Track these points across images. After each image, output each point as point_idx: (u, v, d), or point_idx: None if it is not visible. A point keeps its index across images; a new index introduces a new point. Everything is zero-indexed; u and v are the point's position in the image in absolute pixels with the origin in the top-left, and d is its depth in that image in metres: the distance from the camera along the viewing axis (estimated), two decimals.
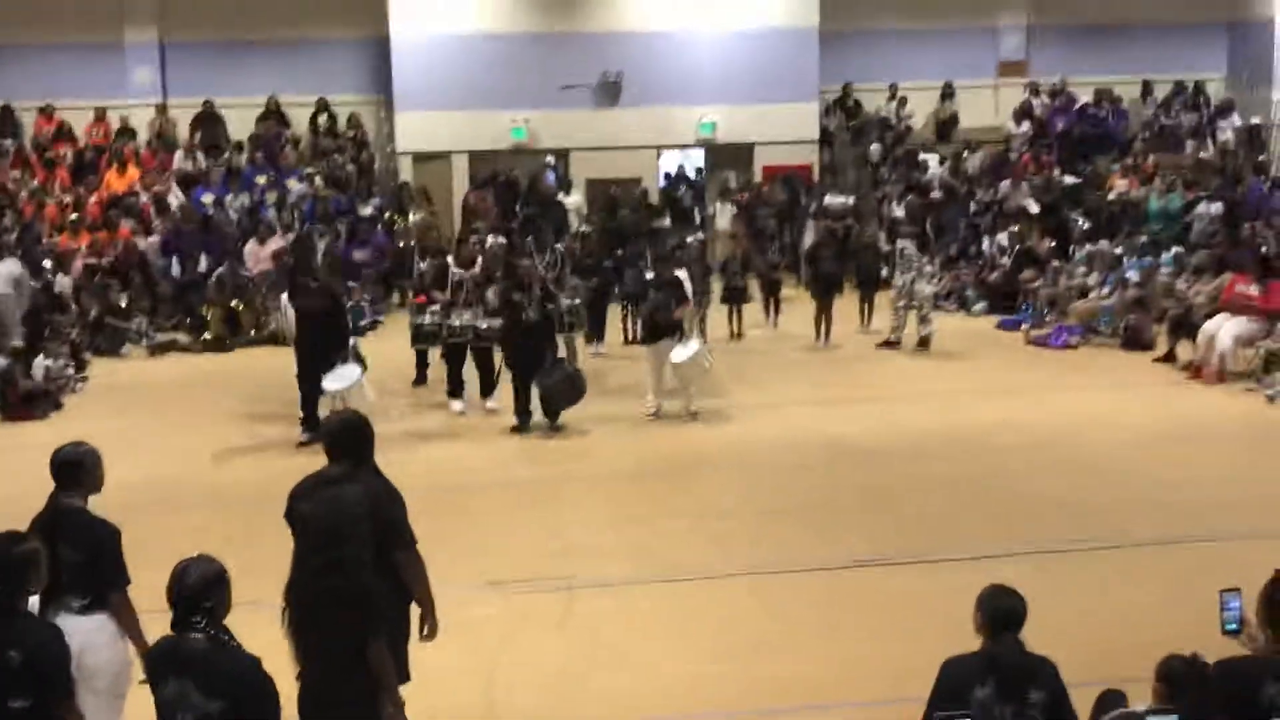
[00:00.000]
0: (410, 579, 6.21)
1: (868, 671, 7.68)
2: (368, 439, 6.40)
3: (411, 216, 20.91)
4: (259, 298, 19.02)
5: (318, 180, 22.08)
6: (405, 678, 6.25)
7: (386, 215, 21.69)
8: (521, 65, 23.50)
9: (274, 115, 23.64)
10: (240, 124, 23.48)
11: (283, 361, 17.49)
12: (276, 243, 20.38)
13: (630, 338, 17.51)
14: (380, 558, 5.90)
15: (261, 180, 22.09)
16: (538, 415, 13.48)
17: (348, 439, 6.32)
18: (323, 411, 12.06)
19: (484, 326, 14.00)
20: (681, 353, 13.67)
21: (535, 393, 13.41)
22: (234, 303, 18.94)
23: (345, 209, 21.49)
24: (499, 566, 9.55)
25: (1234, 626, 5.61)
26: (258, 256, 20.11)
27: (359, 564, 5.35)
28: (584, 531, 10.44)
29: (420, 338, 14.63)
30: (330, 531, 5.41)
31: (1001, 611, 5.42)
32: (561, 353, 14.28)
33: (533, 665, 7.94)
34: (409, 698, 6.30)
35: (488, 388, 14.33)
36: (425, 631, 6.34)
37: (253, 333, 18.76)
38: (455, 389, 14.42)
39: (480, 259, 14.96)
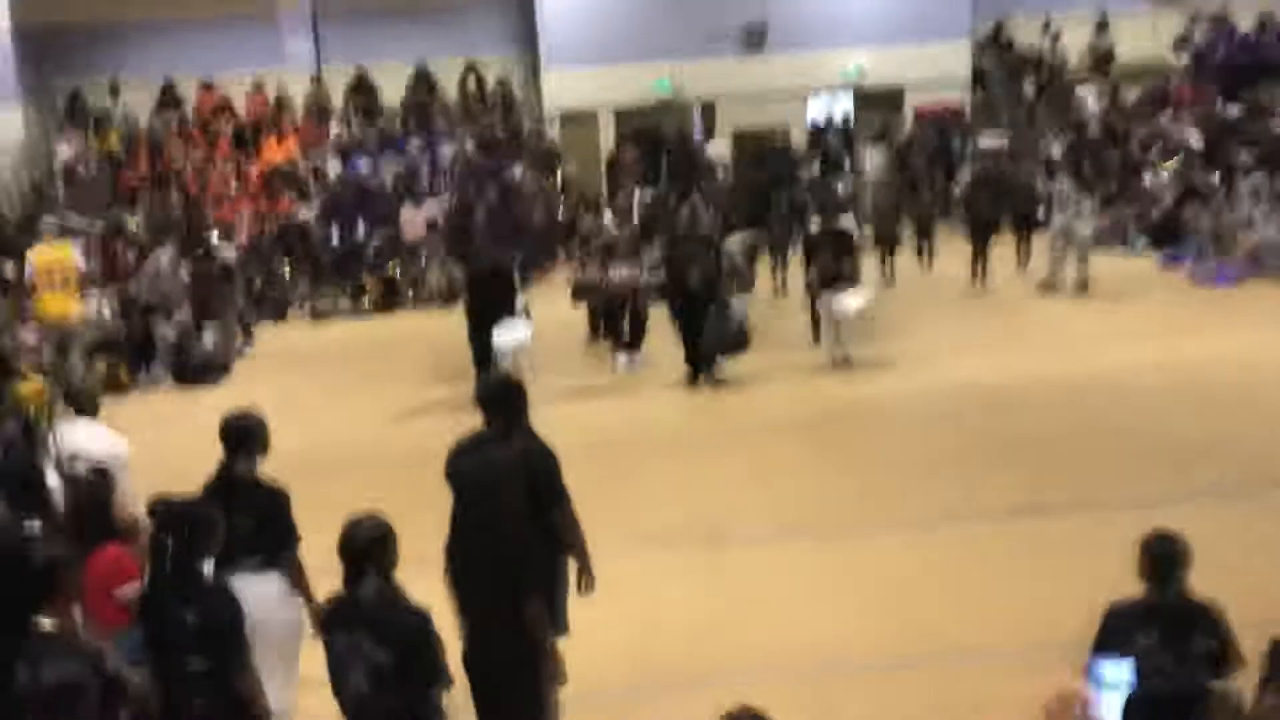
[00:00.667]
0: (565, 535, 6.30)
1: (1025, 618, 7.59)
2: (521, 398, 6.51)
3: (557, 179, 21.06)
4: (417, 263, 19.38)
5: (469, 143, 22.34)
6: (564, 630, 6.37)
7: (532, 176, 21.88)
8: (664, 17, 23.50)
9: (424, 80, 23.95)
10: (392, 90, 23.85)
11: (441, 324, 17.95)
12: (432, 208, 20.76)
13: (780, 288, 17.45)
14: (536, 515, 6.02)
15: (414, 146, 22.42)
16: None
17: (501, 399, 6.42)
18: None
19: (642, 281, 14.02)
20: (852, 303, 13.60)
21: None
22: (392, 267, 19.32)
23: (495, 170, 21.71)
24: (651, 520, 9.62)
25: None
26: (414, 222, 20.48)
27: (512, 522, 5.46)
28: (733, 486, 10.45)
29: (579, 293, 14.78)
30: (484, 491, 5.53)
31: (1164, 556, 5.32)
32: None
33: (682, 619, 7.99)
34: (565, 649, 6.45)
35: (637, 341, 14.44)
36: (582, 586, 6.43)
37: (411, 294, 19.12)
38: (619, 342, 14.54)
39: (636, 213, 15.09)
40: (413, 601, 5.07)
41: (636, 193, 18.30)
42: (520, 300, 13.85)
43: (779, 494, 10.22)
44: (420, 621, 5.01)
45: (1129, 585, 5.43)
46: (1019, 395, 12.54)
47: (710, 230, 14.26)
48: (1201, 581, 5.48)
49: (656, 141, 23.07)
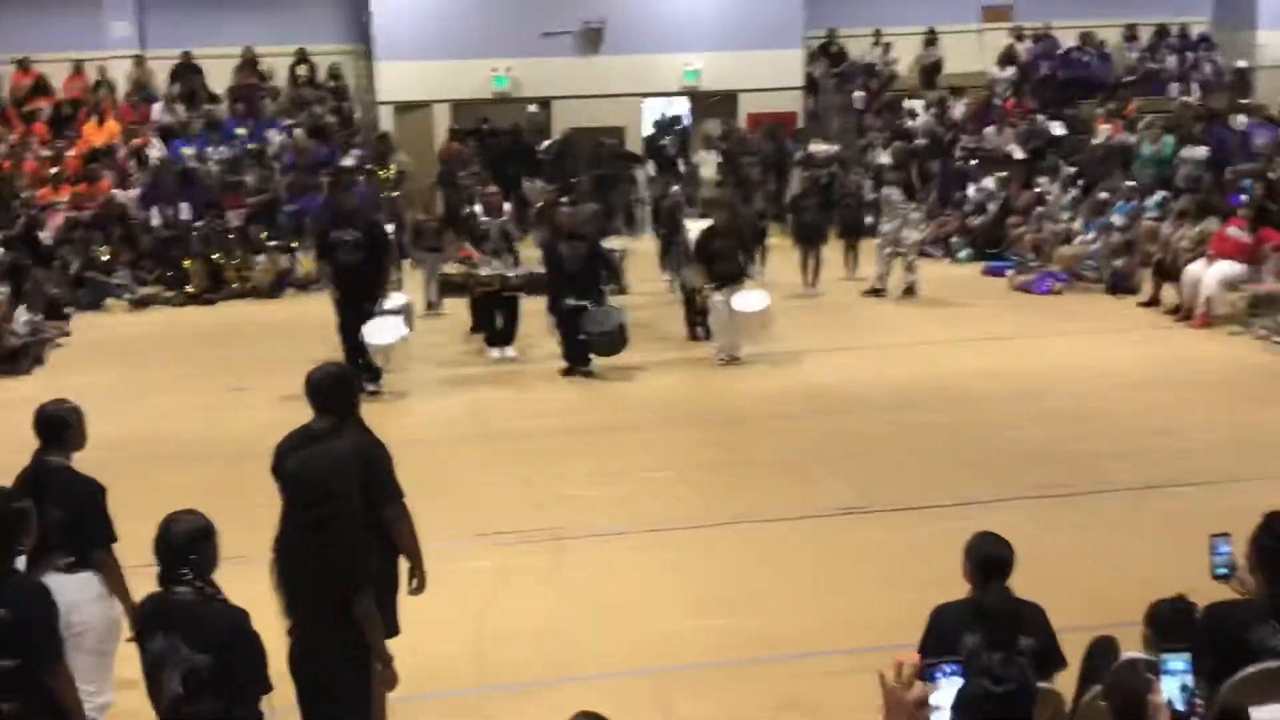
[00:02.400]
0: (398, 533, 6.18)
1: (856, 620, 7.69)
2: (353, 392, 6.39)
3: (392, 168, 20.76)
4: (240, 250, 18.93)
5: (298, 132, 21.90)
6: (394, 631, 6.23)
7: (367, 167, 21.50)
8: (502, 13, 23.34)
9: (252, 66, 23.42)
10: (219, 75, 23.26)
11: (266, 314, 17.59)
12: (258, 195, 20.31)
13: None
14: (367, 512, 5.88)
15: (241, 132, 21.90)
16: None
17: (333, 392, 6.27)
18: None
19: (512, 275, 14.03)
20: (751, 302, 13.65)
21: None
22: (216, 255, 18.82)
23: (326, 160, 21.31)
24: (488, 519, 9.54)
25: (1224, 571, 5.62)
26: (239, 209, 20.00)
27: (345, 521, 5.32)
28: (572, 483, 10.40)
29: (446, 288, 14.64)
30: (316, 488, 5.37)
31: (989, 559, 5.43)
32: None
33: (521, 618, 7.94)
34: (398, 651, 6.31)
35: (509, 336, 14.41)
36: (414, 585, 6.32)
37: (235, 286, 18.65)
38: (492, 337, 14.49)
39: (505, 207, 14.99)
40: (231, 602, 4.91)
41: (479, 188, 18.12)
42: (403, 296, 13.85)
43: (621, 492, 10.20)
44: (239, 623, 4.84)
45: (958, 587, 5.52)
46: (852, 397, 12.73)
47: (591, 227, 14.25)
48: (1026, 582, 5.60)
49: (492, 135, 22.94)
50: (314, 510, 5.31)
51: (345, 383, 6.36)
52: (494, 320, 14.47)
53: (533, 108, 23.68)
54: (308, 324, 16.14)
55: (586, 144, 22.25)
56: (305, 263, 18.66)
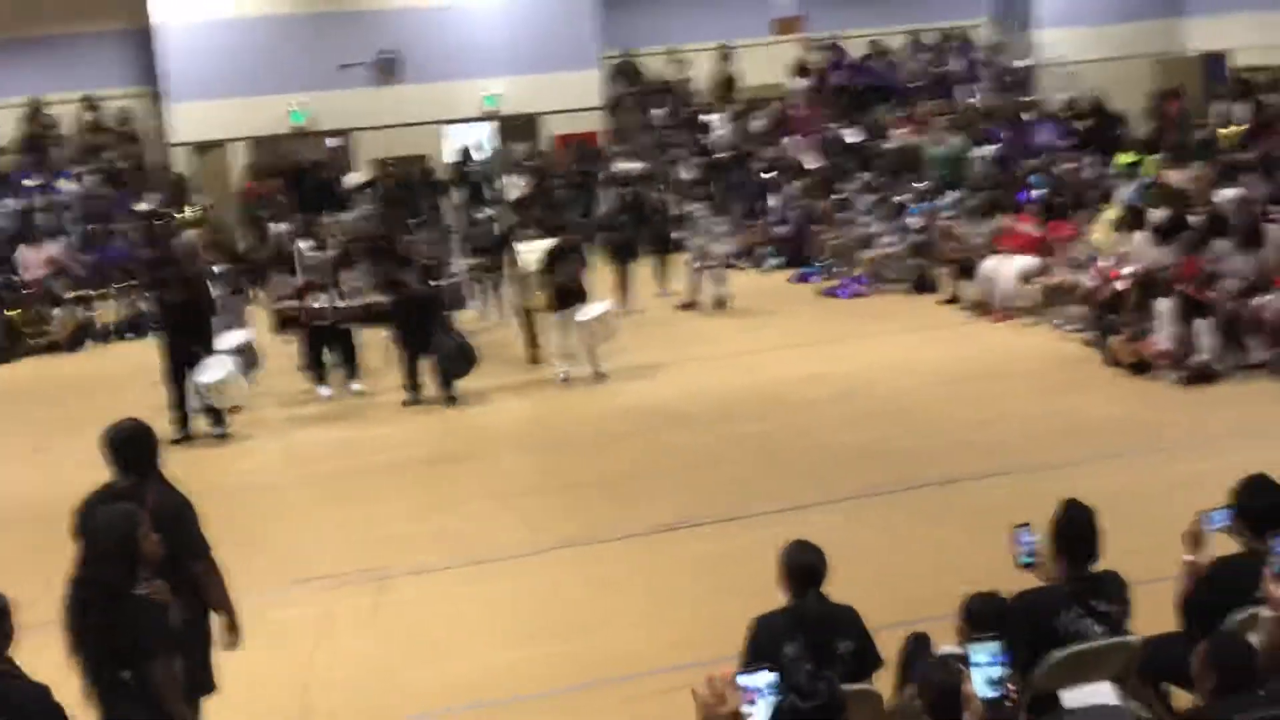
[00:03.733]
0: (207, 589, 6.03)
1: (690, 635, 7.71)
2: (151, 447, 6.20)
3: (189, 211, 20.29)
4: (36, 305, 18.29)
5: (89, 179, 21.27)
6: (210, 688, 6.10)
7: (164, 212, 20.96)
8: (295, 47, 22.99)
9: (38, 115, 22.67)
10: (3, 127, 22.46)
11: (68, 369, 17.02)
12: (51, 248, 19.67)
13: None
14: (176, 570, 5.73)
15: (31, 183, 21.17)
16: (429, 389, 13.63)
17: (129, 449, 6.10)
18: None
19: (344, 307, 13.95)
20: (590, 311, 13.83)
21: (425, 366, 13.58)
22: (11, 312, 18.15)
23: (121, 207, 20.74)
24: (307, 564, 9.35)
25: (1028, 560, 5.79)
26: (32, 262, 19.35)
27: (117, 586, 5.13)
28: (393, 520, 10.27)
29: (281, 324, 14.35)
30: (105, 548, 5.21)
31: (801, 567, 5.50)
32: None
33: (346, 663, 7.79)
34: (220, 707, 6.16)
35: (351, 369, 14.29)
36: (229, 640, 6.16)
37: (32, 342, 18.00)
38: (320, 373, 14.28)
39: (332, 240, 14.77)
40: (30, 678, 4.72)
41: (271, 226, 17.83)
42: (244, 334, 13.70)
43: (444, 526, 10.10)
44: (40, 698, 4.65)
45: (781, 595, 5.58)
46: (673, 412, 12.80)
47: (433, 254, 14.26)
48: (846, 584, 5.68)
49: (294, 171, 22.56)
50: (104, 571, 5.14)
51: (143, 439, 6.18)
52: (323, 355, 14.28)
53: (333, 141, 23.39)
54: (111, 377, 15.75)
55: (407, 174, 22.04)
56: (103, 314, 18.15)
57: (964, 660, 4.40)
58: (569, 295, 13.95)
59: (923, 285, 17.16)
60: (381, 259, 14.08)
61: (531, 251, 14.81)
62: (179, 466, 11.79)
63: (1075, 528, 5.54)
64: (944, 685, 4.33)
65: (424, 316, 13.42)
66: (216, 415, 12.83)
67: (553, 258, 14.15)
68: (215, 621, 6.15)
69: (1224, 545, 5.75)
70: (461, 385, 13.64)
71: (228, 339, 13.22)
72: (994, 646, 4.36)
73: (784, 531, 5.98)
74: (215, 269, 14.73)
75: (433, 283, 13.84)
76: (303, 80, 23.00)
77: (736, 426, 12.10)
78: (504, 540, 9.62)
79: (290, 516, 10.64)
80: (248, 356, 13.42)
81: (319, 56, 23.06)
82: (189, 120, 22.77)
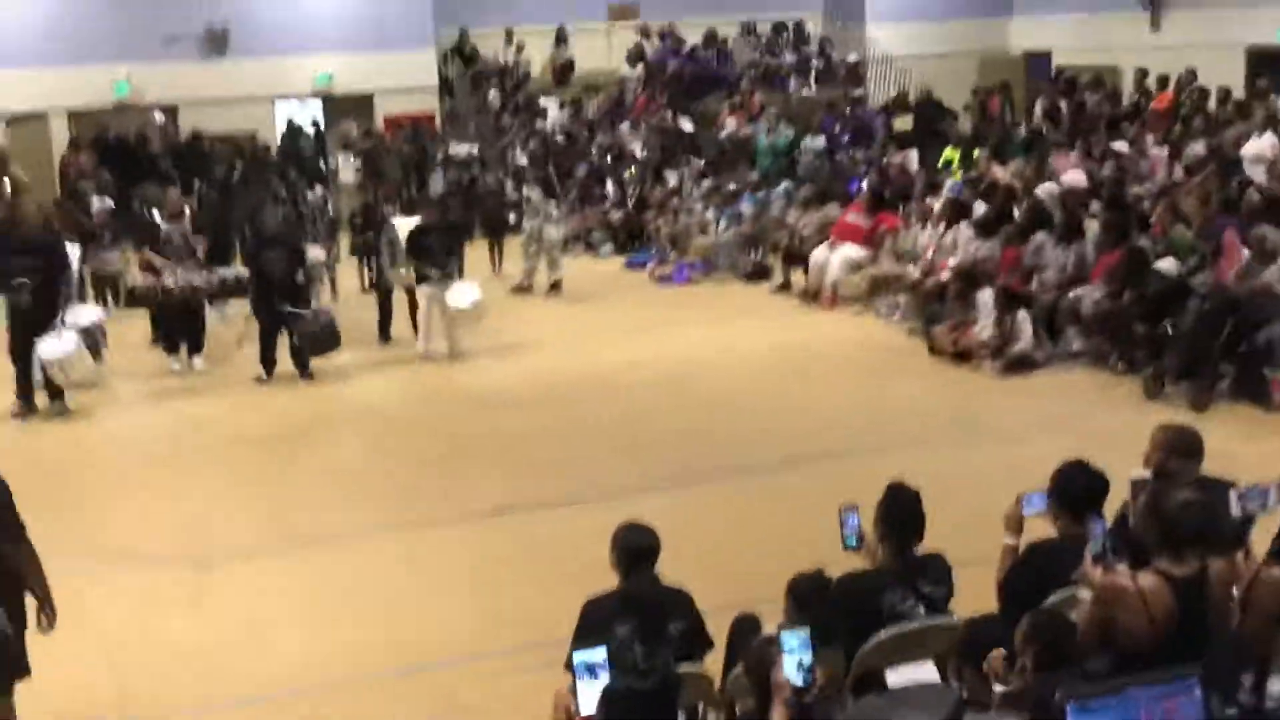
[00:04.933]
0: (22, 570, 5.85)
1: (513, 619, 7.72)
2: None
3: (6, 187, 19.52)
4: None
5: None
6: (25, 672, 5.91)
7: None
8: (120, 16, 22.29)
9: None
10: None
11: None
12: None
13: None
14: None
15: None
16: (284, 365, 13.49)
17: None
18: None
19: (200, 283, 13.69)
20: (463, 297, 13.85)
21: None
22: None
23: None
24: (130, 544, 9.14)
25: (853, 542, 5.90)
26: None
27: None
28: (220, 500, 10.08)
29: (136, 300, 13.98)
30: None
31: (634, 548, 5.55)
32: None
33: (163, 646, 7.62)
34: (35, 691, 5.98)
35: (198, 343, 14.05)
36: (43, 623, 5.99)
37: None
38: (173, 346, 14.04)
39: (186, 212, 14.37)
40: None
41: (95, 200, 17.28)
42: (94, 311, 13.32)
43: (260, 506, 9.94)
44: None
45: (611, 576, 5.62)
46: (504, 395, 12.79)
47: (289, 231, 14.14)
48: (675, 567, 5.75)
49: (118, 146, 21.86)
50: None
51: None
52: (178, 330, 14.02)
53: (158, 114, 22.77)
54: None
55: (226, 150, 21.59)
56: None
57: (777, 645, 4.49)
58: (434, 273, 13.96)
59: (755, 273, 17.39)
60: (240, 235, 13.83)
61: (403, 228, 14.75)
62: (12, 441, 11.56)
63: (901, 510, 5.67)
64: (769, 666, 4.41)
65: (285, 293, 13.26)
66: (56, 391, 12.45)
67: (420, 235, 14.11)
68: (30, 604, 5.97)
69: (1042, 529, 5.95)
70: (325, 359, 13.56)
71: (77, 315, 12.78)
72: (804, 632, 4.46)
73: (611, 516, 6.01)
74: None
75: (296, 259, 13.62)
76: (127, 51, 22.30)
77: (566, 409, 12.13)
78: (330, 521, 9.51)
79: (117, 495, 10.37)
80: (94, 336, 13.04)
81: (144, 26, 22.41)
82: (4, 88, 21.92)
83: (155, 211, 14.69)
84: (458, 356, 14.01)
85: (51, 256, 12.46)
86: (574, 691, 4.54)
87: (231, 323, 14.89)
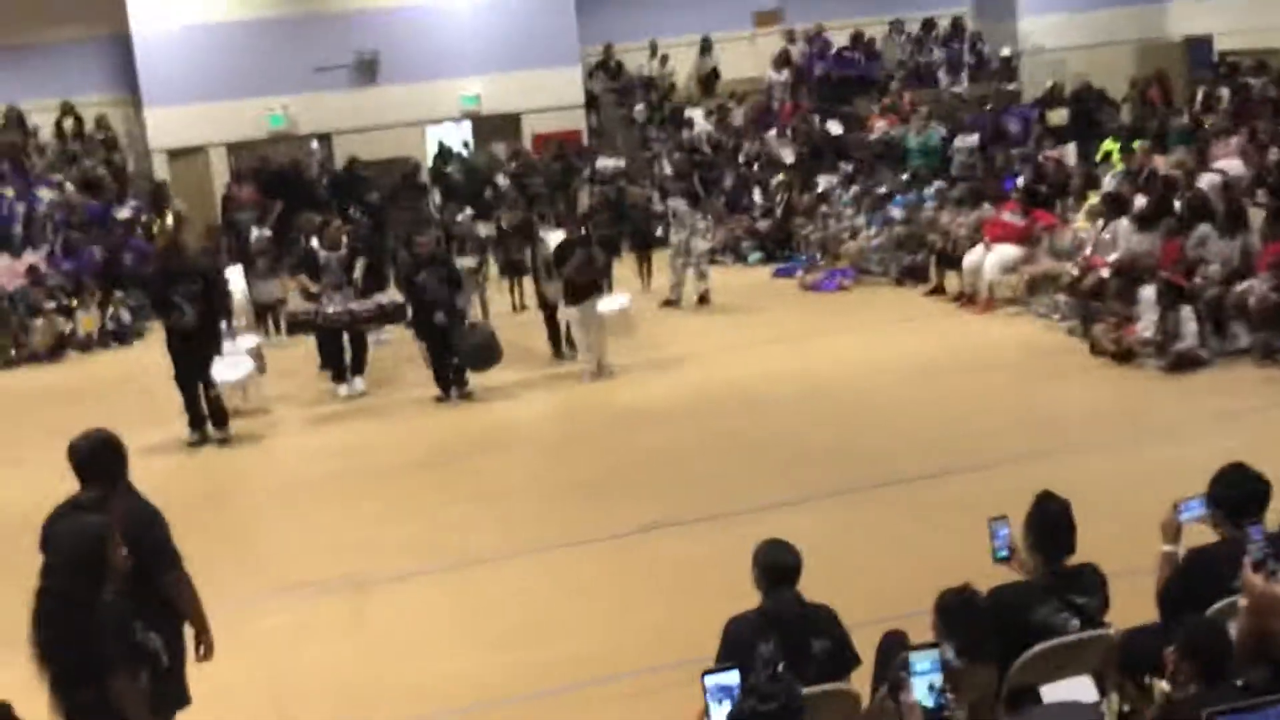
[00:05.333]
0: (178, 601, 5.95)
1: (659, 637, 7.64)
2: (118, 458, 6.10)
3: (168, 218, 20.17)
4: (14, 316, 18.18)
5: (69, 187, 21.17)
6: (185, 702, 6.02)
7: (144, 218, 20.84)
8: (273, 50, 22.90)
9: (15, 123, 22.55)
10: None
11: (46, 380, 16.90)
12: (30, 256, 19.57)
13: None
14: (145, 583, 5.67)
15: (9, 192, 21.04)
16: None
17: (96, 460, 6.02)
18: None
19: (359, 309, 13.91)
20: (610, 304, 14.03)
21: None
22: None
23: (100, 215, 20.64)
24: (286, 571, 9.29)
25: (1004, 554, 5.74)
26: (12, 272, 19.25)
27: (82, 599, 5.07)
28: (374, 525, 10.20)
29: (295, 327, 14.32)
30: (67, 560, 5.15)
31: (775, 566, 5.45)
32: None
33: (323, 670, 7.72)
34: (194, 719, 6.09)
35: (359, 366, 14.29)
36: (201, 652, 6.09)
37: (13, 353, 17.89)
38: (339, 372, 14.23)
39: (345, 240, 14.73)
40: None
41: (254, 230, 17.76)
42: (252, 338, 13.78)
43: (423, 529, 10.02)
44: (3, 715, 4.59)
45: (756, 592, 5.52)
46: (652, 411, 12.75)
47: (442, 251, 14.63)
48: (823, 582, 5.63)
49: (276, 176, 22.44)
50: (65, 583, 5.09)
51: (110, 449, 6.08)
52: (341, 355, 14.22)
53: (314, 144, 23.31)
54: (93, 386, 15.68)
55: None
56: (86, 322, 18.08)
57: (907, 668, 4.40)
58: (582, 289, 13.91)
59: (907, 277, 17.09)
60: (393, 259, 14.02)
61: (551, 243, 14.85)
62: (178, 471, 11.88)
63: (1050, 521, 5.49)
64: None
65: (443, 312, 13.43)
66: (220, 419, 12.75)
67: (563, 251, 14.14)
68: (188, 634, 6.08)
69: (1203, 535, 5.70)
70: (482, 379, 13.71)
71: (238, 342, 13.14)
72: (934, 654, 4.38)
73: (757, 531, 5.92)
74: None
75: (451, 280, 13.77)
76: (281, 83, 22.93)
77: (713, 424, 12.03)
78: (481, 544, 9.55)
79: (274, 522, 10.63)
80: (257, 361, 13.42)
81: (296, 59, 22.98)
82: (167, 126, 22.69)
83: (314, 239, 14.99)
84: (606, 372, 13.97)
85: (212, 281, 12.77)
86: (706, 713, 4.46)
87: (388, 346, 15.14)
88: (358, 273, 14.30)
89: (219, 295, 12.78)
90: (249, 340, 13.62)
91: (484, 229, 18.50)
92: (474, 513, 10.33)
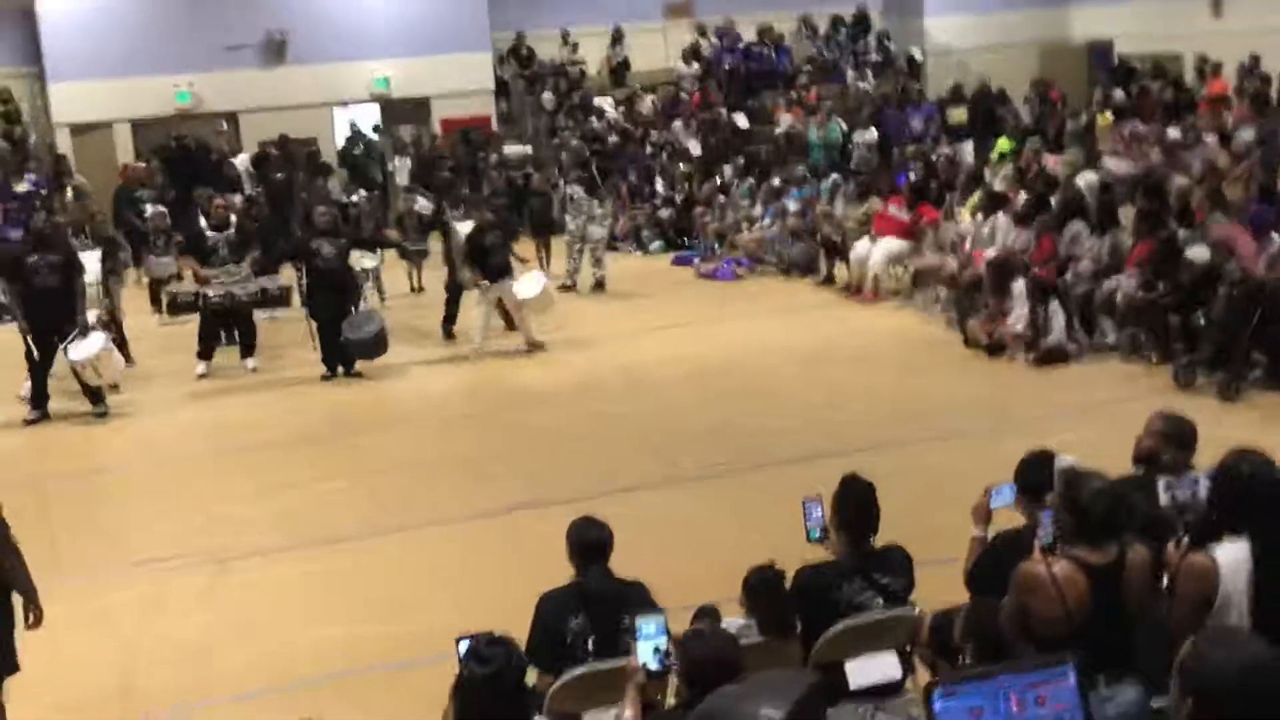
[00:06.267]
0: (5, 568, 6.03)
1: (515, 615, 7.76)
2: None
3: (69, 194, 20.02)
4: None
5: None
6: (12, 669, 6.10)
7: (43, 192, 20.64)
8: (181, 27, 22.77)
9: None
10: None
11: None
12: None
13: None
14: None
15: None
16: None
17: None
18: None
19: (240, 292, 13.90)
20: (530, 286, 14.22)
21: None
22: None
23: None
24: (146, 546, 9.32)
25: (816, 535, 5.91)
26: None
27: None
28: (238, 501, 10.26)
29: (177, 308, 14.27)
30: None
31: (586, 542, 5.61)
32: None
33: (173, 643, 7.79)
34: (39, 686, 6.17)
35: (250, 348, 14.30)
36: (30, 620, 6.16)
37: None
38: (205, 350, 14.18)
39: (232, 219, 14.73)
40: None
41: (148, 206, 17.70)
42: (96, 315, 13.43)
43: (283, 506, 10.11)
44: None
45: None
46: (537, 392, 12.95)
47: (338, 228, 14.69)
48: (668, 559, 5.78)
49: (183, 153, 22.28)
50: None
51: None
52: (213, 335, 14.24)
53: (222, 124, 23.18)
54: None
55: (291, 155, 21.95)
56: None
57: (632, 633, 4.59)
58: (497, 270, 14.15)
59: (799, 268, 17.34)
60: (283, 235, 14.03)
61: (463, 229, 14.96)
62: (39, 448, 11.85)
63: (854, 501, 5.68)
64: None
65: (340, 293, 13.59)
66: (95, 394, 12.71)
67: (478, 234, 14.29)
68: (17, 603, 6.15)
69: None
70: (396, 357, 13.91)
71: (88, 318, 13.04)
72: (660, 618, 4.56)
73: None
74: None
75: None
76: (188, 61, 22.77)
77: (596, 406, 12.22)
78: (346, 521, 9.65)
79: (138, 498, 10.60)
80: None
81: (205, 37, 22.83)
82: (71, 100, 22.47)
83: (202, 219, 14.95)
84: (537, 347, 14.23)
85: (67, 260, 12.70)
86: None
87: (282, 324, 15.17)
88: (251, 253, 14.32)
89: (75, 273, 12.73)
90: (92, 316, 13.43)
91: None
92: (346, 490, 10.41)
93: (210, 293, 13.85)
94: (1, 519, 6.02)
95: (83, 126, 22.76)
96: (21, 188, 20.63)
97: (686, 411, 11.90)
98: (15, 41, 23.05)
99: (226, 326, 14.50)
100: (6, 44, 23.09)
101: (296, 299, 14.31)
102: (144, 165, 20.98)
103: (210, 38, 22.86)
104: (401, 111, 24.24)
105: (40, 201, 20.40)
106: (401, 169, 22.68)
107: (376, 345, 13.59)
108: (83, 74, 22.30)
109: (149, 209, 17.74)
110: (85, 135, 22.79)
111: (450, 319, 15.14)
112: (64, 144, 22.60)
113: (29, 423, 12.61)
